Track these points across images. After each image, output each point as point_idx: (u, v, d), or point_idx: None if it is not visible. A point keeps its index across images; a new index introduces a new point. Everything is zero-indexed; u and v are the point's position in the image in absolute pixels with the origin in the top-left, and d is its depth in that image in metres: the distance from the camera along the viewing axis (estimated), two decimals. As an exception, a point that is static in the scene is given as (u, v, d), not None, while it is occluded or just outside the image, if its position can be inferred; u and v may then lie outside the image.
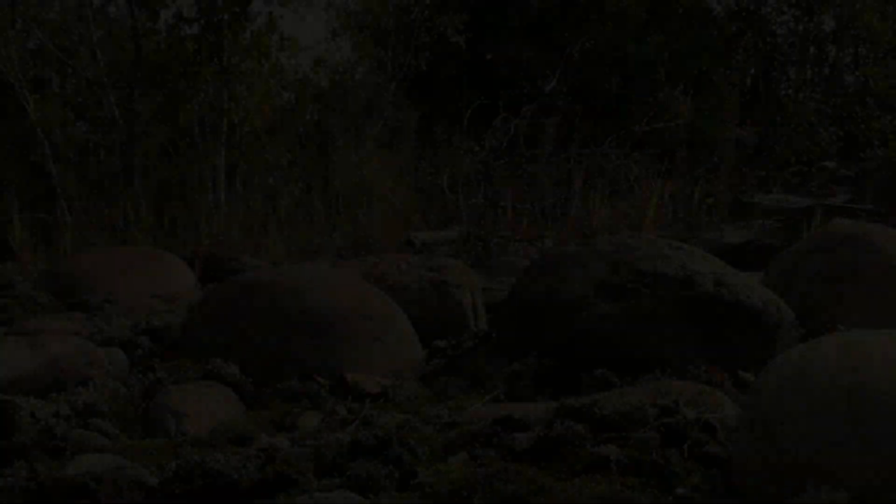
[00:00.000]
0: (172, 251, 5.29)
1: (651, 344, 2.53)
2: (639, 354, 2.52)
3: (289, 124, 8.77)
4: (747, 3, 18.11)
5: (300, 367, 2.56)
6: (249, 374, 2.50)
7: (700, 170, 8.35)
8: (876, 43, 14.89)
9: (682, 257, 2.79)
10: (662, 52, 16.10)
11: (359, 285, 2.99)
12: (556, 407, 1.91)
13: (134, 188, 7.07)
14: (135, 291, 3.97)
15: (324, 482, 1.68)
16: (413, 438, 1.81)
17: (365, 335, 2.72)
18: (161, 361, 2.60)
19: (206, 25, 7.60)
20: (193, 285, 4.25)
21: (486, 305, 3.67)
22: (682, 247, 2.91)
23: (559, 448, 1.71)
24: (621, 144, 8.67)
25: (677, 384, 2.17)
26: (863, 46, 17.16)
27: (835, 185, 7.73)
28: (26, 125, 7.95)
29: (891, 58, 14.74)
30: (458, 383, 2.68)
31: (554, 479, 1.61)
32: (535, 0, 17.05)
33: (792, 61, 16.00)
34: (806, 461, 1.42)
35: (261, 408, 2.34)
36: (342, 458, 1.77)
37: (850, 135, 9.57)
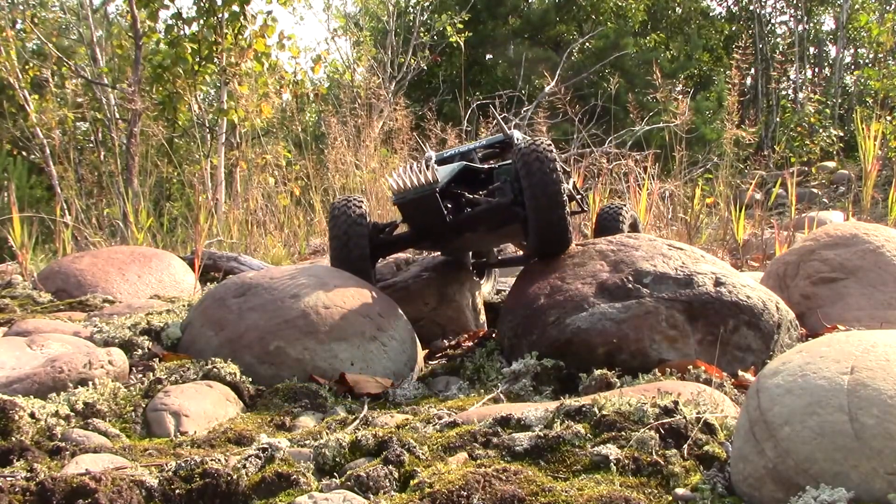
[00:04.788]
0: (172, 251, 5.30)
1: (651, 344, 2.53)
2: (639, 354, 2.52)
3: (288, 124, 8.78)
4: (747, 3, 18.14)
5: (300, 367, 2.56)
6: (249, 374, 2.50)
7: (699, 170, 8.36)
8: (878, 43, 14.93)
9: (682, 257, 2.79)
10: (662, 52, 16.13)
11: (358, 285, 2.99)
12: (556, 407, 1.91)
13: (134, 188, 7.07)
14: (135, 291, 3.98)
15: (324, 482, 1.68)
16: (413, 438, 1.81)
17: (364, 335, 2.72)
18: (161, 361, 2.60)
19: (206, 25, 7.60)
20: (193, 285, 4.25)
21: (485, 305, 3.68)
22: (683, 246, 2.91)
23: (559, 448, 1.72)
24: (621, 144, 8.67)
25: (677, 384, 2.17)
26: (862, 47, 17.20)
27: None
28: (26, 125, 7.95)
29: (890, 58, 14.77)
30: (457, 383, 2.69)
31: (554, 479, 1.61)
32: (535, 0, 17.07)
33: (791, 61, 16.01)
34: (806, 461, 1.42)
35: (261, 408, 2.34)
36: (342, 458, 1.77)
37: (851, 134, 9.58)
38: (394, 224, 3.37)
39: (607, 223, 3.68)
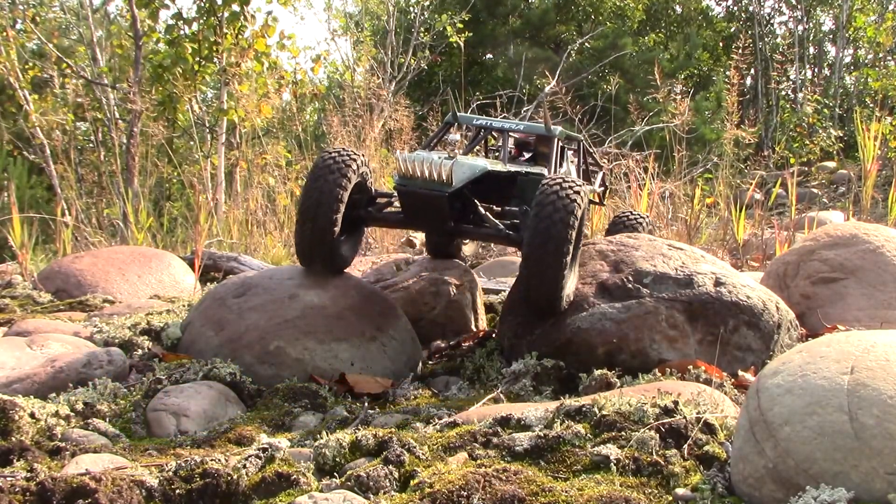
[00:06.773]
0: (172, 251, 5.30)
1: (651, 344, 2.53)
2: (639, 354, 2.52)
3: (288, 124, 8.77)
4: (746, 4, 18.16)
5: (300, 367, 2.56)
6: (249, 374, 2.50)
7: (699, 170, 8.36)
8: (877, 44, 14.96)
9: (681, 257, 2.79)
10: (661, 52, 16.14)
11: (358, 285, 2.99)
12: (556, 407, 1.91)
13: (134, 188, 7.07)
14: (135, 291, 3.97)
15: (324, 482, 1.68)
16: (413, 438, 1.81)
17: (364, 335, 2.72)
18: (161, 361, 2.60)
19: (206, 25, 7.60)
20: (193, 285, 4.25)
21: (485, 305, 3.68)
22: (683, 246, 2.91)
23: (559, 448, 1.72)
24: (621, 144, 8.68)
25: (677, 384, 2.17)
26: (862, 47, 17.22)
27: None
28: (26, 125, 7.96)
29: (890, 58, 14.79)
30: (457, 383, 2.69)
31: (554, 479, 1.61)
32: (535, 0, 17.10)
33: (791, 61, 16.02)
34: (806, 461, 1.42)
35: (261, 408, 2.34)
36: (342, 458, 1.77)
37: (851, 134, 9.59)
38: (391, 197, 2.98)
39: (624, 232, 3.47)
